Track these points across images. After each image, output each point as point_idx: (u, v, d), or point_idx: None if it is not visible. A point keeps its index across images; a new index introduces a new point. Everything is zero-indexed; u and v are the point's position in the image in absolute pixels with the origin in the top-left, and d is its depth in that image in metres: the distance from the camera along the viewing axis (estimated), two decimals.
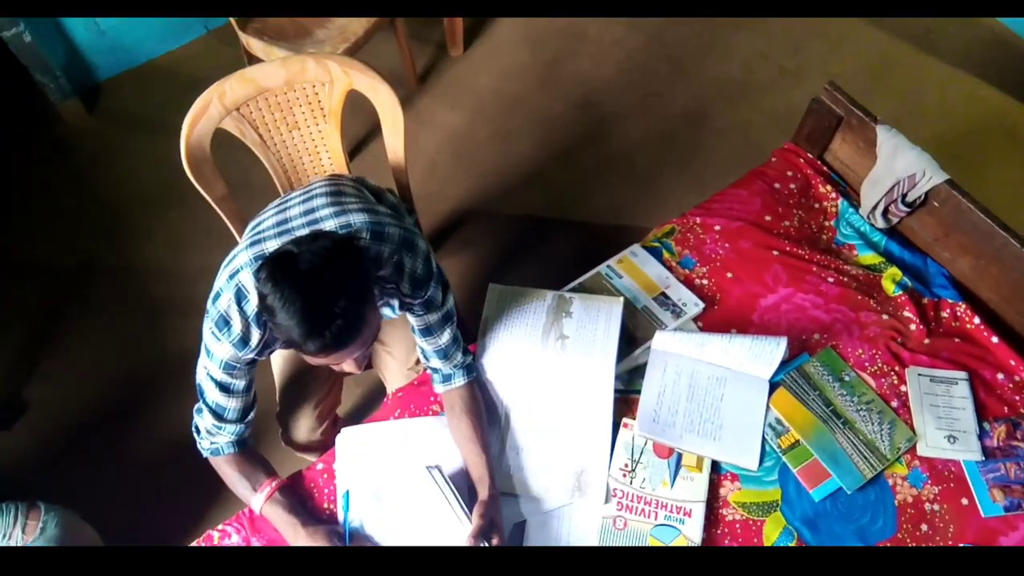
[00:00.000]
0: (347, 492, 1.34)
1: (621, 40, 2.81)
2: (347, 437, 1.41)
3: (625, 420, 1.43)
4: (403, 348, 1.56)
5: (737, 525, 1.35)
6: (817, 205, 1.75)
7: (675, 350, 1.49)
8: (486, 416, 1.41)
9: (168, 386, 2.08)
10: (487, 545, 1.22)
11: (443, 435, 1.40)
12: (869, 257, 1.66)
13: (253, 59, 2.28)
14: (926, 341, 1.54)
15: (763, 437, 1.41)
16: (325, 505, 1.36)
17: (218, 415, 1.26)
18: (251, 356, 1.22)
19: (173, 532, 1.81)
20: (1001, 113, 2.60)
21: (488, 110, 2.66)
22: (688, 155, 2.54)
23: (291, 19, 2.27)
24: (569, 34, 2.83)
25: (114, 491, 1.94)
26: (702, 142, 2.57)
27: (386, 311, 1.33)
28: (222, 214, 1.59)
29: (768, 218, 1.69)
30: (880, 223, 1.67)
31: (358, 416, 2.03)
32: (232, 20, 2.21)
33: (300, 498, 1.35)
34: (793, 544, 1.32)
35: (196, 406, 1.28)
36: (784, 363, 1.46)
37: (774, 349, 1.43)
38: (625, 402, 1.46)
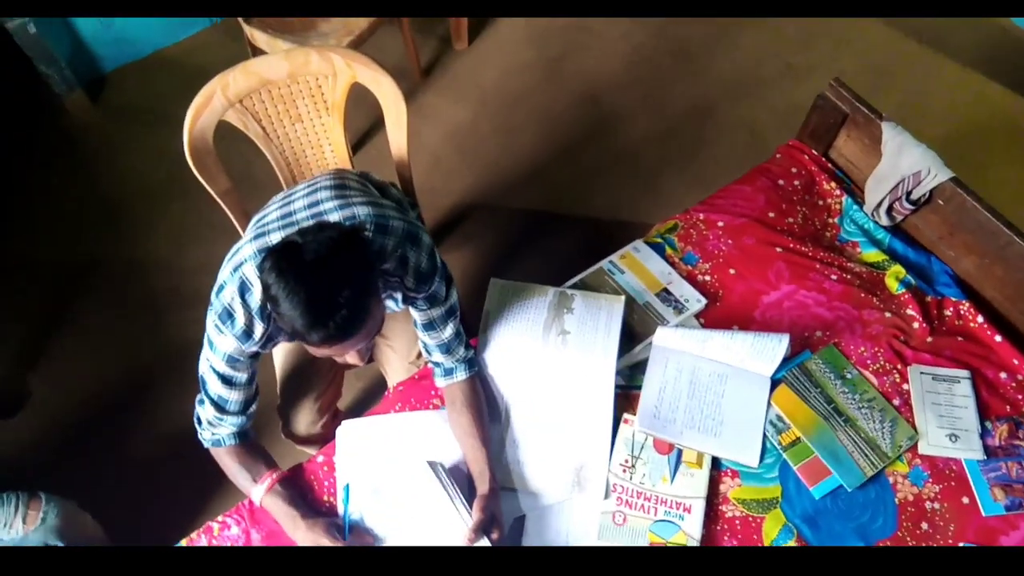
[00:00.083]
0: (347, 485, 1.35)
1: (627, 35, 2.80)
2: (347, 430, 1.41)
3: (626, 416, 1.43)
4: (404, 342, 1.56)
5: (737, 522, 1.35)
6: (821, 202, 1.74)
7: (676, 346, 1.49)
8: (487, 411, 1.41)
9: (170, 378, 2.09)
10: (487, 539, 1.22)
11: (443, 429, 1.40)
12: (873, 255, 1.66)
13: (257, 51, 2.28)
14: (929, 339, 1.53)
15: (764, 434, 1.41)
16: (325, 498, 1.37)
17: (220, 407, 1.26)
18: (254, 349, 1.22)
19: (173, 523, 1.81)
20: (1010, 113, 2.59)
21: (492, 105, 2.65)
22: (692, 151, 2.53)
23: None
24: (575, 29, 2.82)
25: (115, 482, 1.94)
26: (707, 138, 2.56)
27: (389, 304, 1.34)
28: (225, 207, 1.59)
29: (772, 215, 1.69)
30: (884, 221, 1.66)
31: (359, 409, 2.03)
32: None
33: (300, 490, 1.35)
34: (793, 541, 1.32)
35: (198, 397, 1.29)
36: (786, 360, 1.45)
37: (776, 346, 1.42)
38: (626, 398, 1.46)
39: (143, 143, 2.53)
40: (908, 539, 1.33)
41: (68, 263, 2.33)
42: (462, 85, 2.70)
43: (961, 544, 1.32)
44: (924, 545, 1.32)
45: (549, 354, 1.46)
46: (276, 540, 1.32)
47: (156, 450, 2.00)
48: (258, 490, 1.30)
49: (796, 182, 1.75)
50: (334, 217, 1.21)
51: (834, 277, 1.60)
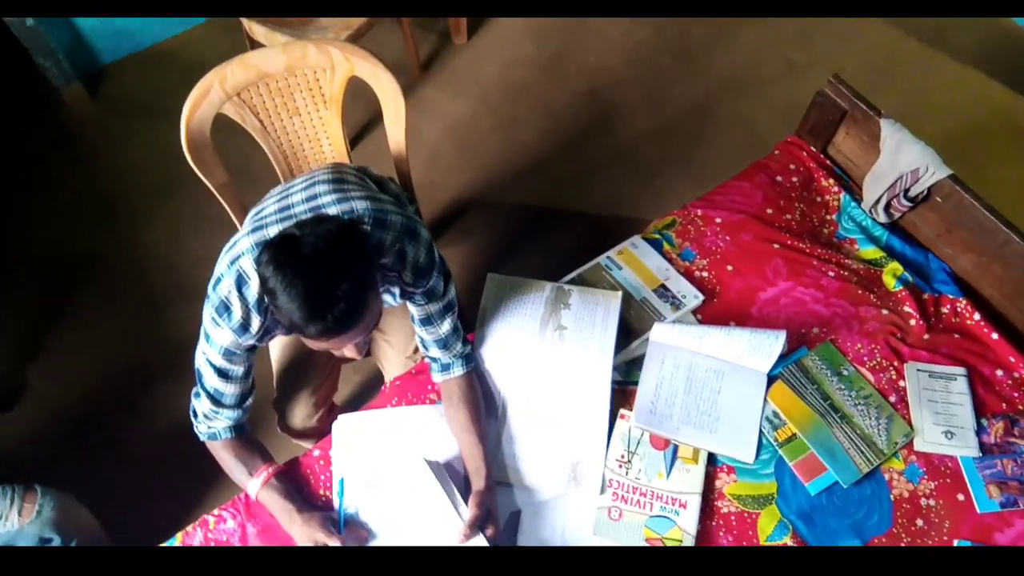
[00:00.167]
0: (343, 479, 1.35)
1: (627, 31, 2.80)
2: (344, 424, 1.41)
3: (622, 411, 1.43)
4: (401, 337, 1.56)
5: (732, 517, 1.35)
6: (819, 199, 1.74)
7: (673, 342, 1.49)
8: (484, 406, 1.41)
9: (167, 372, 2.09)
10: (482, 535, 1.22)
11: (440, 424, 1.40)
12: (870, 252, 1.66)
13: (256, 45, 2.27)
14: (926, 336, 1.53)
15: (760, 430, 1.41)
16: (321, 492, 1.37)
17: (216, 400, 1.26)
18: (251, 342, 1.22)
19: (170, 517, 1.81)
20: (1010, 112, 2.58)
21: (491, 100, 2.65)
22: (692, 147, 2.53)
23: None
24: (574, 24, 2.81)
25: (112, 475, 1.94)
26: (706, 134, 2.56)
27: (387, 299, 1.33)
28: (222, 200, 1.59)
29: (769, 211, 1.69)
30: (882, 218, 1.66)
31: (355, 404, 2.03)
32: None
33: (296, 484, 1.35)
34: (788, 537, 1.33)
35: (194, 390, 1.29)
36: (783, 356, 1.45)
37: (773, 343, 1.42)
38: (622, 393, 1.46)
39: (141, 136, 2.52)
40: (903, 536, 1.33)
41: (66, 256, 2.33)
42: (461, 80, 2.70)
43: (956, 541, 1.32)
44: (919, 542, 1.33)
45: (546, 349, 1.46)
46: (272, 534, 1.32)
47: (153, 443, 2.00)
48: (254, 483, 1.30)
49: (794, 179, 1.75)
50: (332, 211, 1.20)
51: (831, 274, 1.60)
